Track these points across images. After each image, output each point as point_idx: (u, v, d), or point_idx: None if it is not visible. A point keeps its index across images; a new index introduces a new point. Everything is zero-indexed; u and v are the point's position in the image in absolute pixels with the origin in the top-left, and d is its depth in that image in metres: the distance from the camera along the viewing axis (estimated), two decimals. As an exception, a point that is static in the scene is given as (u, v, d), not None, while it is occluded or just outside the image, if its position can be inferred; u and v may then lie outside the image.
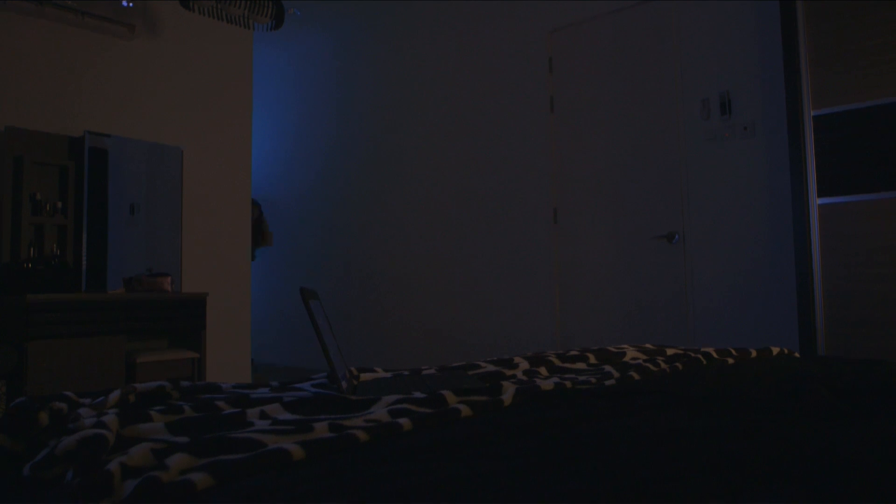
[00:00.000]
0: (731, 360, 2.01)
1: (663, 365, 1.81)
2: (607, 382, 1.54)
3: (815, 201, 3.14)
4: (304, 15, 5.67)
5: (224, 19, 3.90)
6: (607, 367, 1.78)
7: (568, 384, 1.48)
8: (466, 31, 4.84)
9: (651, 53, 3.92)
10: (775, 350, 2.16)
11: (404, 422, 1.11)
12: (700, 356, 1.98)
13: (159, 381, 1.48)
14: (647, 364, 1.79)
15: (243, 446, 0.96)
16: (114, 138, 3.77)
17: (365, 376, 1.76)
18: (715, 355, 2.03)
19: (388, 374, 1.81)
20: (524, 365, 1.86)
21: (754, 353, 2.11)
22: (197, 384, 1.53)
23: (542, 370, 1.80)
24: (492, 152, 4.63)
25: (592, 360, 2.00)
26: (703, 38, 3.72)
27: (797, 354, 2.22)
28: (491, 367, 1.82)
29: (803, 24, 3.19)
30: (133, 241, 3.88)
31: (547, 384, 1.45)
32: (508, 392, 1.35)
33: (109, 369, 3.32)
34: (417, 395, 1.32)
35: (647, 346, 2.28)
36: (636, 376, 1.64)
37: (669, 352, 2.11)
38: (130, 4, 3.87)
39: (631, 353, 2.07)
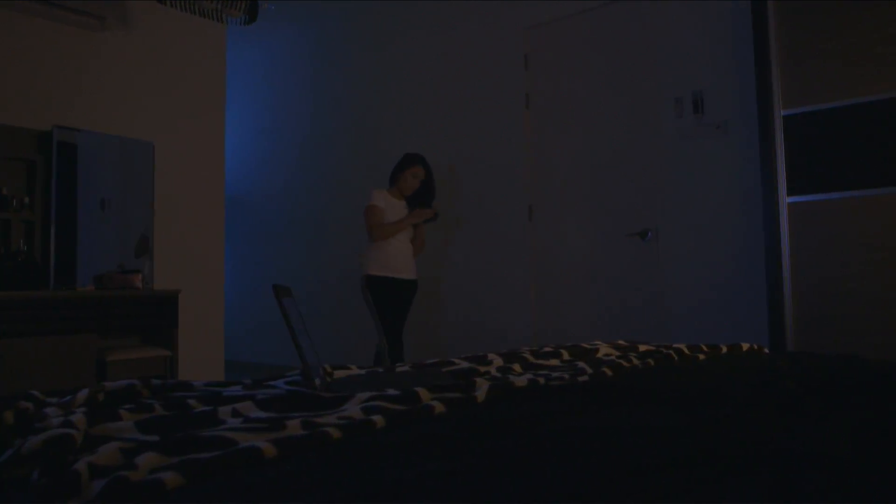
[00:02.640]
0: (702, 357, 2.03)
1: (635, 361, 1.83)
2: (580, 379, 1.55)
3: (785, 199, 3.19)
4: (279, 10, 5.62)
5: (196, 13, 3.85)
6: (580, 364, 1.79)
7: (541, 380, 1.49)
8: (442, 28, 4.83)
9: (626, 52, 3.95)
10: (745, 346, 2.19)
11: (377, 419, 1.11)
12: (672, 352, 2.00)
13: (130, 379, 1.46)
14: (620, 360, 1.81)
15: (214, 445, 0.95)
16: (83, 132, 3.70)
17: (339, 373, 1.75)
18: (686, 351, 2.06)
19: (363, 372, 1.80)
20: (498, 361, 1.86)
21: (725, 349, 2.14)
22: (168, 382, 1.51)
23: (516, 367, 1.81)
24: (467, 149, 4.63)
25: (566, 356, 2.01)
26: (676, 37, 3.75)
27: (766, 350, 2.25)
28: (465, 364, 1.82)
29: (774, 24, 3.24)
30: (103, 238, 3.82)
31: (520, 381, 1.46)
32: (482, 389, 1.36)
33: (79, 368, 3.27)
34: (391, 392, 1.32)
35: (620, 342, 2.31)
36: (609, 372, 1.66)
37: (642, 348, 2.13)
38: (101, -4, 3.81)
39: (604, 350, 2.08)
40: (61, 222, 3.58)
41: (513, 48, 4.43)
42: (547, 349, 2.08)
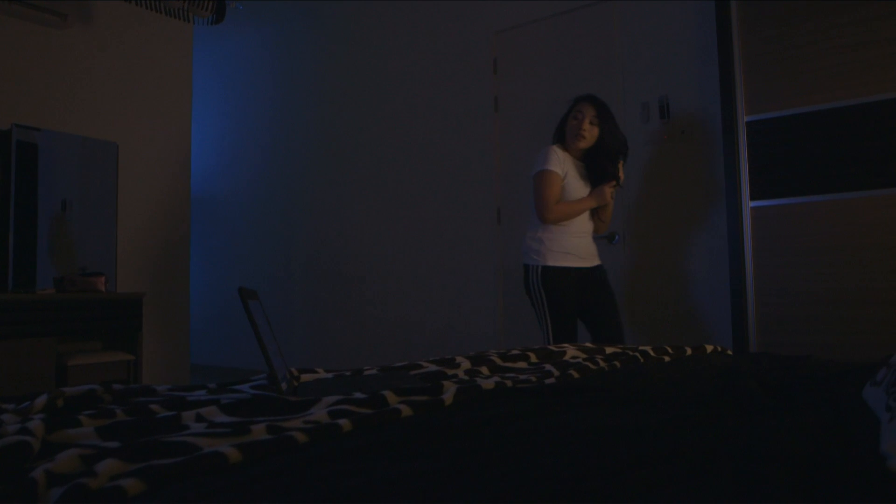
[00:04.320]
0: (667, 358, 2.06)
1: (602, 363, 1.85)
2: (547, 381, 1.56)
3: (748, 204, 3.25)
4: (245, 10, 5.57)
5: (163, 11, 3.80)
6: (548, 366, 1.80)
7: (509, 383, 1.49)
8: (411, 30, 4.83)
9: (594, 56, 3.99)
10: (709, 348, 2.23)
11: (344, 422, 1.10)
12: (638, 354, 2.03)
13: (91, 384, 1.43)
14: (587, 362, 1.82)
15: (177, 450, 0.94)
16: (44, 132, 3.62)
17: (306, 377, 1.74)
18: (652, 353, 2.08)
19: (330, 375, 1.79)
20: (466, 364, 1.86)
21: (689, 351, 2.17)
22: (130, 387, 1.48)
23: (484, 369, 1.81)
24: (436, 152, 4.64)
25: (534, 358, 2.02)
26: (643, 42, 3.80)
27: (730, 352, 2.29)
28: (433, 367, 1.82)
29: (738, 31, 3.30)
30: (65, 239, 3.74)
31: (488, 383, 1.46)
32: (449, 391, 1.36)
33: (39, 373, 3.19)
34: (358, 395, 1.31)
35: (587, 344, 2.33)
36: (576, 374, 1.67)
37: (608, 350, 2.15)
38: (63, -7, 3.73)
39: (571, 352, 2.10)
40: (20, 223, 3.50)
41: (482, 52, 4.45)
42: (514, 352, 2.09)
